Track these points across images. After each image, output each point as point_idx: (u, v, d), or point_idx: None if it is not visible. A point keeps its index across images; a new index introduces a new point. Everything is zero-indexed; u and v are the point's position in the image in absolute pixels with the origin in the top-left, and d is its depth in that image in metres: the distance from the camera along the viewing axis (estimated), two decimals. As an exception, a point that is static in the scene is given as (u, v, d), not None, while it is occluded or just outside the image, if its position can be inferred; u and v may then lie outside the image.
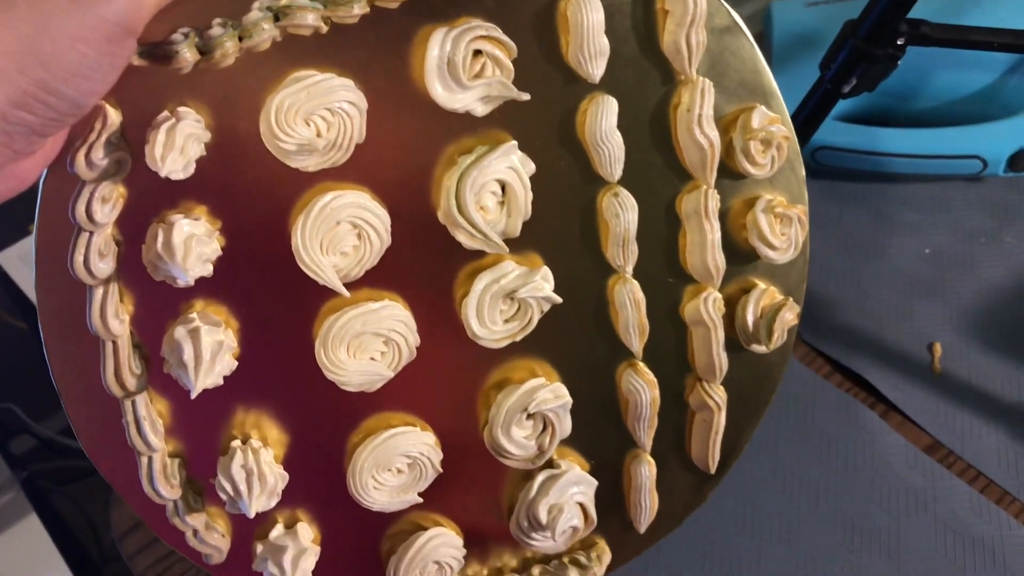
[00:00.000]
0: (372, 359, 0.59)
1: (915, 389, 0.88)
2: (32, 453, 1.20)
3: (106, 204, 0.52)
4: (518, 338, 0.60)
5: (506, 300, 0.59)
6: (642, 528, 0.67)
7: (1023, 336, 0.93)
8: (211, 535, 0.61)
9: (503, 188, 0.57)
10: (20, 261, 1.20)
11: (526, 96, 0.55)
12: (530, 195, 0.58)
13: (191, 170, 0.53)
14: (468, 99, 0.54)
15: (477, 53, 0.54)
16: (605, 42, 0.56)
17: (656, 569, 0.80)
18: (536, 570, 0.67)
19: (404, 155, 0.57)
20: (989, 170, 1.02)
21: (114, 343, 0.55)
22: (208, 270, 0.55)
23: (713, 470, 0.67)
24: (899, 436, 0.86)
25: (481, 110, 0.55)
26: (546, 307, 0.60)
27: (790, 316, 0.63)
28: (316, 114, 0.53)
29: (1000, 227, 1.01)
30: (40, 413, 1.21)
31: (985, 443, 0.85)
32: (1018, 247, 0.99)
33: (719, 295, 0.62)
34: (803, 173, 0.63)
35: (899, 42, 0.85)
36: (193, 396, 0.55)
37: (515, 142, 0.56)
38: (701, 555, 0.79)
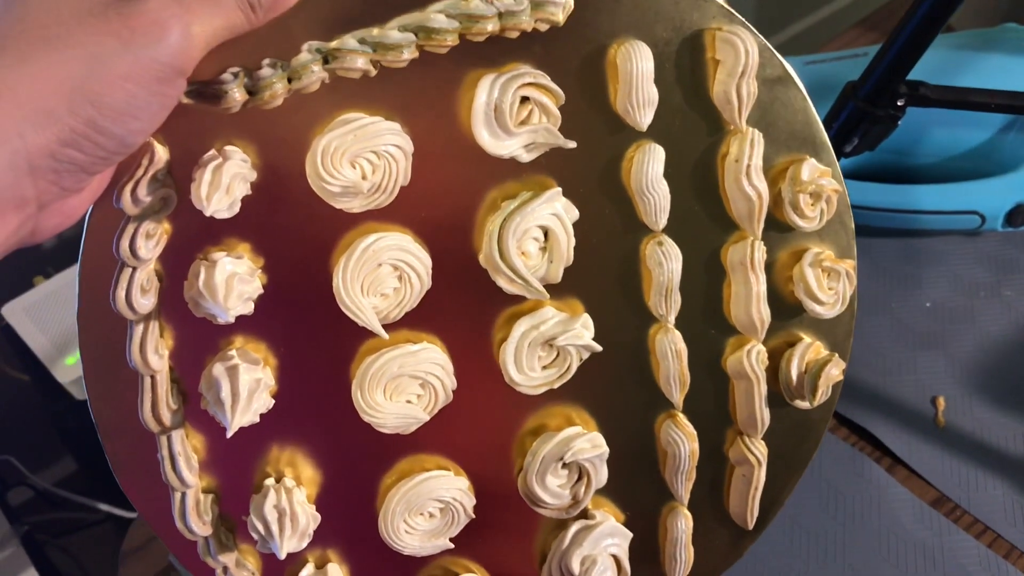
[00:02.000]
0: (408, 402, 0.58)
1: (920, 442, 0.89)
2: (30, 505, 1.19)
3: (150, 240, 0.53)
4: (556, 385, 0.60)
5: (545, 347, 0.59)
6: (677, 583, 0.66)
7: (1026, 389, 0.93)
8: (241, 573, 0.60)
9: (545, 234, 0.57)
10: (24, 313, 1.21)
11: (572, 144, 0.54)
12: (573, 241, 0.57)
13: (236, 209, 0.53)
14: (514, 145, 0.54)
15: (524, 99, 0.54)
16: (654, 91, 0.55)
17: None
18: (568, 622, 0.66)
19: (448, 198, 0.56)
20: (987, 225, 1.02)
21: (152, 378, 0.55)
22: (249, 308, 0.55)
23: (751, 526, 0.65)
24: (906, 490, 0.86)
25: (526, 156, 0.55)
26: (585, 355, 0.59)
27: (835, 372, 0.61)
28: (362, 156, 0.53)
29: (999, 281, 1.02)
30: (38, 464, 1.21)
31: (991, 496, 0.85)
32: (1018, 300, 1.00)
33: (763, 348, 0.61)
34: (852, 226, 0.61)
35: (899, 103, 0.87)
36: (229, 435, 0.55)
37: (559, 188, 0.56)
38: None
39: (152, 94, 0.45)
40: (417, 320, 0.58)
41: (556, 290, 0.58)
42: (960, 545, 0.82)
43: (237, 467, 0.60)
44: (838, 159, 0.60)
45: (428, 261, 0.56)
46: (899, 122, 0.85)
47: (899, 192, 1.03)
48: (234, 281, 0.53)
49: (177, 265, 0.55)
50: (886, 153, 0.98)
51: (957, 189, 1.01)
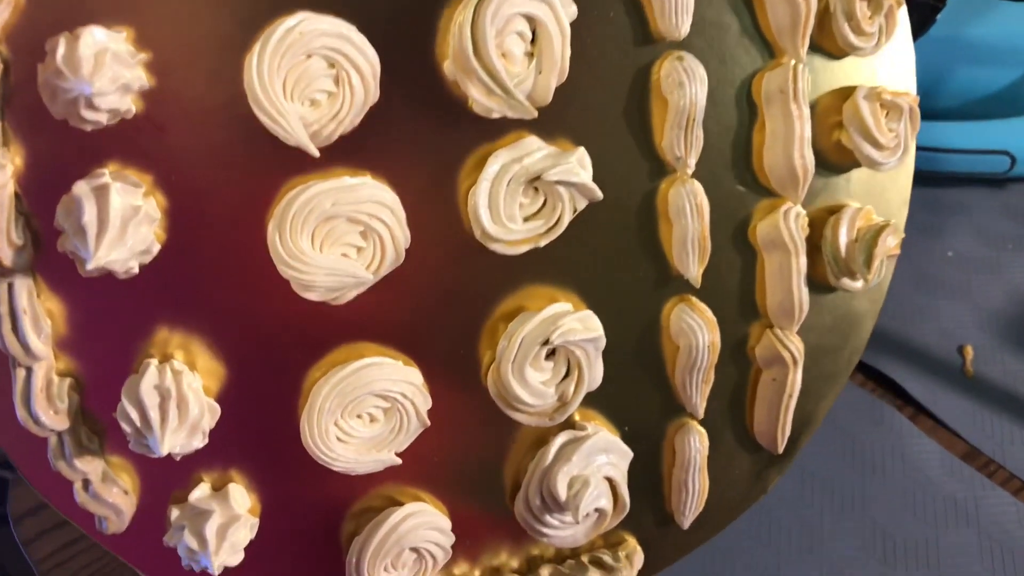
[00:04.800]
0: (345, 255, 0.43)
1: (946, 392, 0.79)
2: None
3: (-14, -8, 0.38)
4: (542, 242, 0.45)
5: (528, 190, 0.45)
6: (686, 522, 0.51)
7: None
8: (108, 490, 0.44)
9: (534, 33, 0.43)
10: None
11: None
12: (568, 46, 0.43)
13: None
14: None
15: None
16: None
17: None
18: (546, 571, 0.50)
19: (405, -20, 0.42)
20: (1017, 169, 0.92)
21: (-15, 196, 0.40)
22: (127, 105, 0.40)
23: (781, 448, 0.51)
24: (932, 441, 0.76)
25: (512, -84, 0.41)
26: (581, 204, 0.45)
27: (893, 242, 0.48)
28: None
29: (1026, 234, 0.96)
30: None
31: (1028, 451, 0.76)
32: (1049, 255, 0.93)
33: (802, 210, 0.48)
34: (912, 56, 0.49)
35: None
36: (89, 267, 0.39)
37: (553, -33, 0.42)
38: (710, 566, 0.67)
39: None
40: (358, 146, 0.43)
41: (543, 120, 0.44)
42: (996, 501, 0.71)
43: (109, 346, 0.45)
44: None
45: (375, 61, 0.42)
46: (938, 15, 0.73)
47: (921, 129, 0.92)
48: (107, 57, 0.38)
49: (30, 49, 0.40)
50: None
51: (986, 127, 0.91)
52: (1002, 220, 0.94)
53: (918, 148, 0.92)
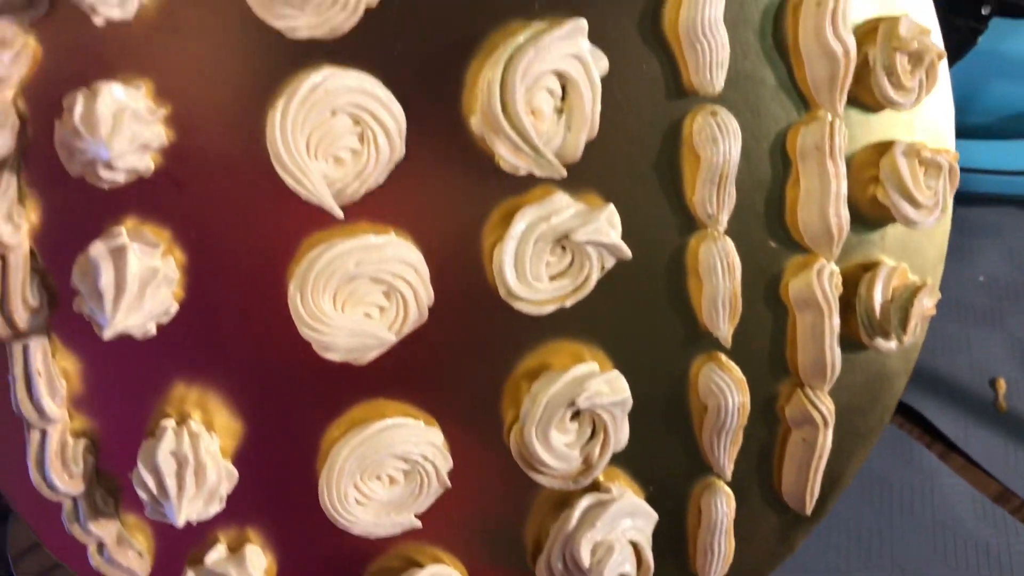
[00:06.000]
0: (367, 315, 0.42)
1: (978, 428, 0.77)
2: None
3: (6, 50, 0.37)
4: (568, 302, 0.44)
5: (556, 248, 0.43)
6: (711, 584, 0.50)
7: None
8: (124, 553, 0.43)
9: (564, 90, 0.42)
10: None
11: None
12: (599, 102, 0.42)
13: (131, 8, 0.37)
14: (528, -50, 0.39)
15: None
16: None
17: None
18: (567, 633, 0.49)
19: (431, 35, 0.41)
20: None
21: (3, 258, 0.39)
22: (146, 164, 0.39)
23: (809, 510, 0.50)
24: (962, 480, 0.73)
25: (544, -29, 0.40)
26: (610, 262, 0.44)
27: (929, 303, 0.47)
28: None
29: (1064, 258, 0.92)
30: None
31: (1066, 495, 0.73)
32: (1088, 280, 0.90)
33: (836, 268, 0.47)
34: (952, 109, 0.47)
35: (983, 11, 0.75)
36: (107, 335, 0.39)
37: (584, 20, 0.41)
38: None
39: None
40: (383, 204, 0.42)
41: (572, 175, 0.43)
42: (1033, 549, 0.68)
43: (125, 405, 0.44)
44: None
45: (401, 117, 0.41)
46: (979, 37, 0.72)
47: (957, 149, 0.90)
48: (125, 116, 0.37)
49: (47, 103, 0.39)
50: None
51: (1019, 147, 0.89)
52: (1036, 242, 0.92)
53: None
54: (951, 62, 0.73)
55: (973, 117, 0.90)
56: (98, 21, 0.37)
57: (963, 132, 0.93)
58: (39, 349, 0.40)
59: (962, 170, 0.88)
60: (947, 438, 0.74)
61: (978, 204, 0.94)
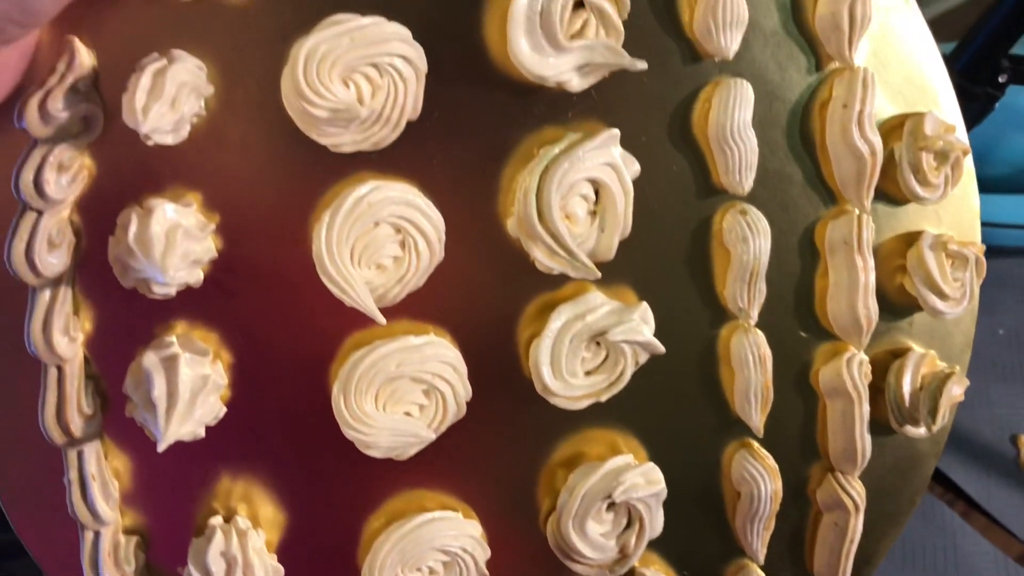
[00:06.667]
0: (408, 414, 0.44)
1: (1001, 487, 0.78)
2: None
3: (64, 174, 0.38)
4: (603, 397, 0.45)
5: (591, 345, 0.44)
6: (746, 666, 0.51)
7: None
8: (172, 646, 0.45)
9: (597, 193, 0.43)
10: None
11: (642, 64, 0.41)
12: (631, 204, 0.43)
13: (184, 133, 0.39)
14: (563, 65, 0.41)
15: (579, 5, 0.40)
16: (744, 8, 0.42)
17: None
18: None
19: (468, 144, 0.43)
20: None
21: (59, 369, 0.40)
22: (197, 277, 0.41)
23: (842, 592, 0.50)
24: (986, 541, 0.72)
25: (578, 83, 0.42)
26: (643, 358, 0.45)
27: (958, 391, 0.48)
28: (359, 71, 0.39)
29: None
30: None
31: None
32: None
33: (865, 357, 0.47)
34: (976, 203, 0.48)
35: (1000, 79, 0.75)
36: (161, 448, 0.40)
37: (617, 131, 0.42)
38: None
39: None
40: (423, 304, 0.44)
41: (606, 271, 0.44)
42: (1061, 619, 0.68)
43: (173, 501, 0.45)
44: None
45: (440, 223, 0.42)
46: (996, 104, 0.73)
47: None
48: (178, 235, 0.39)
49: (101, 217, 0.41)
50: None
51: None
52: (1057, 294, 0.92)
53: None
54: (969, 127, 0.74)
55: (992, 168, 0.91)
56: (151, 144, 0.38)
57: (980, 184, 0.94)
58: (93, 453, 0.42)
59: (983, 224, 0.88)
60: (969, 496, 0.75)
61: (997, 256, 0.94)
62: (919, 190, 0.46)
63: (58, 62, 0.38)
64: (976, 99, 0.73)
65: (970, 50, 0.72)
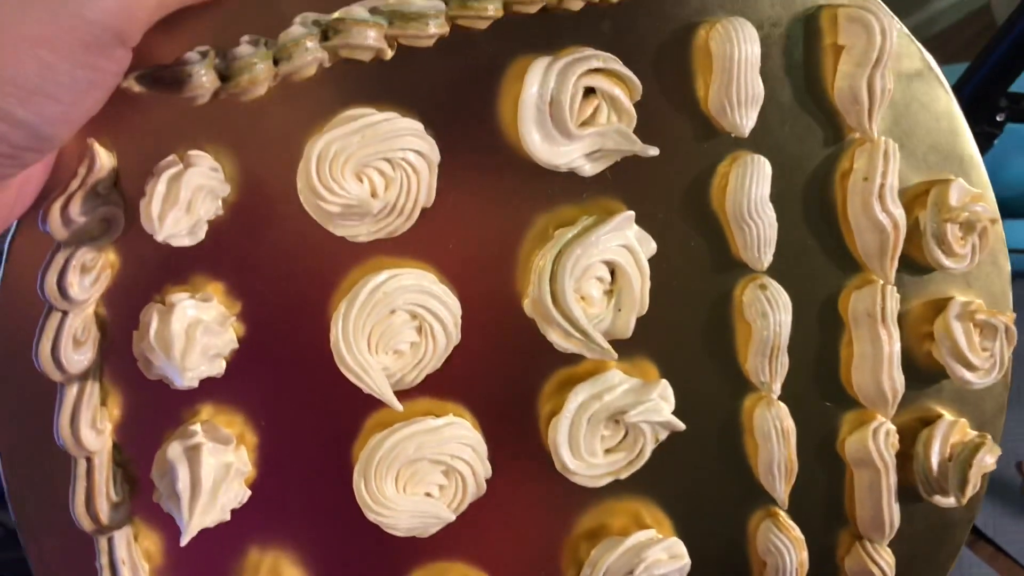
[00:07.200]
0: (428, 495, 0.44)
1: (1006, 515, 0.76)
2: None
3: (86, 275, 0.39)
4: (623, 475, 0.45)
5: (609, 423, 0.44)
6: None
7: None
8: None
9: (612, 273, 0.43)
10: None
11: (654, 150, 0.41)
12: (648, 283, 0.43)
13: (200, 235, 0.40)
14: (574, 153, 0.41)
15: (589, 92, 0.40)
16: (760, 85, 0.42)
17: None
18: None
19: (483, 226, 0.43)
20: None
21: (88, 461, 0.41)
22: (219, 368, 0.42)
23: (874, 660, 0.50)
24: (992, 572, 0.70)
25: (590, 168, 0.42)
26: (663, 435, 0.45)
27: (990, 460, 0.47)
28: (371, 166, 0.40)
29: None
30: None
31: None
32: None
33: (892, 426, 0.47)
34: (1008, 268, 0.47)
35: (998, 118, 0.75)
36: (184, 541, 0.41)
37: (632, 213, 0.42)
38: None
39: (77, 66, 0.33)
40: (441, 386, 0.44)
41: (625, 348, 0.44)
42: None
43: (204, 574, 0.46)
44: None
45: (457, 308, 0.43)
46: (995, 141, 0.72)
47: None
48: (198, 331, 0.39)
49: (125, 310, 0.42)
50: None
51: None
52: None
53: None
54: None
55: (998, 191, 0.88)
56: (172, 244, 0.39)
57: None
58: (123, 539, 0.43)
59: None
60: (975, 526, 0.73)
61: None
62: (944, 260, 0.45)
63: (79, 166, 0.39)
64: (975, 137, 0.72)
65: (967, 91, 0.71)
